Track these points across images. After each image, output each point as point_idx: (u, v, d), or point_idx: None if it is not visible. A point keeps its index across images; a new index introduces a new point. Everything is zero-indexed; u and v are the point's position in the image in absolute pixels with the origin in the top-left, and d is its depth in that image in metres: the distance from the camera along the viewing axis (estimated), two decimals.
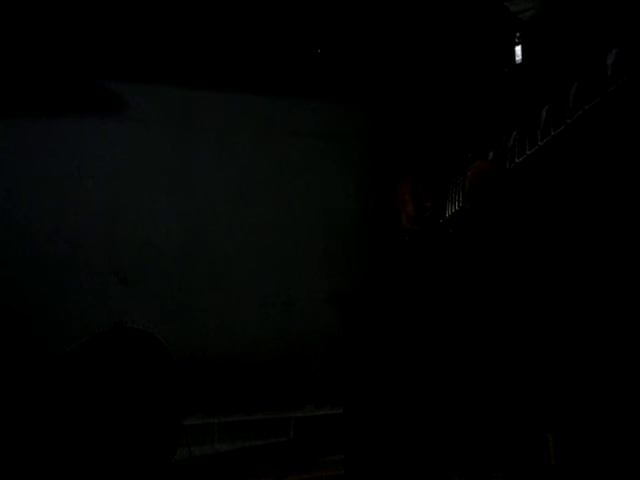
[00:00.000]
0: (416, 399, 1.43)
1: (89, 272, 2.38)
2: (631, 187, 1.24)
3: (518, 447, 1.50)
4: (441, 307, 1.44)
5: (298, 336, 2.63)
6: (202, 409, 2.50)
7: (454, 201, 1.40)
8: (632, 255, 1.25)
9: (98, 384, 1.80)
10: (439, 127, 1.57)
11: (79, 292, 2.36)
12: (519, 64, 1.35)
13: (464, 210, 1.34)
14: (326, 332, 2.62)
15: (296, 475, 2.29)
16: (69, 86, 2.35)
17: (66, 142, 2.37)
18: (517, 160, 1.20)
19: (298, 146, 2.65)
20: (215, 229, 2.56)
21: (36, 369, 1.79)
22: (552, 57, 1.29)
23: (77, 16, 2.31)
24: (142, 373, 1.86)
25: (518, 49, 1.35)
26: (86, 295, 2.37)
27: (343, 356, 1.62)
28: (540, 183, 1.26)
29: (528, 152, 1.17)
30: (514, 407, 1.41)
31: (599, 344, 1.26)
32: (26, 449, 1.69)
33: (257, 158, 2.61)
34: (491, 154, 1.28)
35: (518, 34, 1.35)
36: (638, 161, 1.22)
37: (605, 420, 1.26)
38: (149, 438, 1.84)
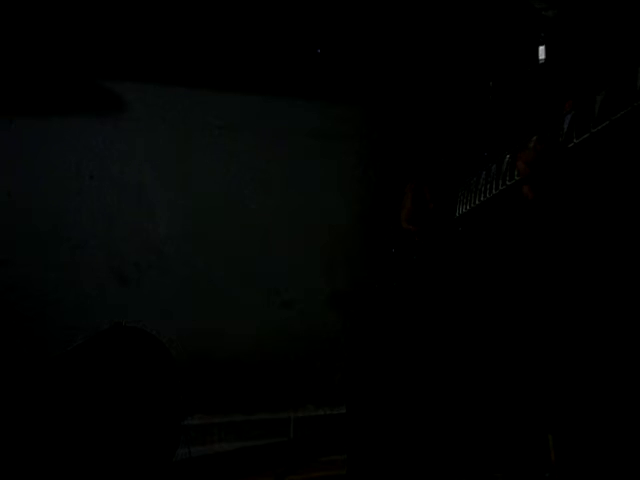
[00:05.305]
0: (418, 399, 1.43)
1: (89, 272, 2.38)
2: None
3: (518, 447, 1.50)
4: (444, 306, 1.43)
5: (298, 336, 2.63)
6: (202, 409, 2.50)
7: (466, 201, 1.40)
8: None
9: (98, 384, 1.80)
10: (451, 126, 1.56)
11: (79, 292, 2.36)
12: (542, 64, 1.33)
13: (479, 209, 1.33)
14: (326, 332, 2.61)
15: (296, 475, 2.29)
16: (69, 86, 2.35)
17: (66, 142, 2.37)
18: None
19: (298, 146, 2.65)
20: (215, 229, 2.56)
21: (36, 369, 1.79)
22: (576, 59, 1.28)
23: (77, 16, 2.31)
24: (142, 373, 1.86)
25: (542, 48, 1.34)
26: (86, 295, 2.37)
27: (345, 356, 1.62)
28: (558, 188, 1.24)
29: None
30: (514, 407, 1.41)
31: (599, 344, 1.26)
32: (26, 449, 1.69)
33: (257, 158, 2.61)
34: (508, 156, 1.27)
35: (542, 33, 1.33)
36: None
37: (605, 420, 1.26)
38: (149, 438, 1.84)
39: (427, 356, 1.43)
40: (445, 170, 1.53)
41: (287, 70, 2.59)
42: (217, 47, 2.50)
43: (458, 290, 1.43)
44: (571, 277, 1.30)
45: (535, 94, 1.34)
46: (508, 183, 1.26)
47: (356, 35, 2.60)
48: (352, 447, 1.52)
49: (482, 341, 1.40)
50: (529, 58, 1.35)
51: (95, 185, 2.41)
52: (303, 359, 2.64)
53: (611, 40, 1.22)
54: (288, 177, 2.65)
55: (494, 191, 1.30)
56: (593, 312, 1.27)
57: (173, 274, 2.49)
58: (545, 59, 1.33)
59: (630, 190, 1.21)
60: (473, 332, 1.40)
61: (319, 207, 2.68)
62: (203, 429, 2.48)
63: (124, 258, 2.44)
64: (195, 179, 2.54)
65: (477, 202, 1.36)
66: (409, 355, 1.44)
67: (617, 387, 1.25)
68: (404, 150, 1.70)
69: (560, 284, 1.31)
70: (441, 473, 1.43)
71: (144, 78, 2.42)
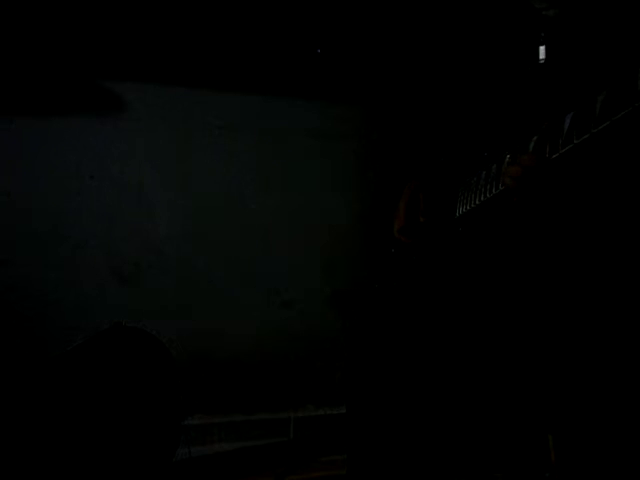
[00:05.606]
0: (418, 399, 1.43)
1: (89, 272, 2.38)
2: None
3: (518, 447, 1.50)
4: (444, 306, 1.44)
5: (298, 336, 2.63)
6: (202, 409, 2.50)
7: (466, 201, 1.40)
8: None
9: (98, 384, 1.80)
10: (451, 125, 1.56)
11: (79, 292, 2.36)
12: (542, 64, 1.34)
13: (479, 209, 1.34)
14: (326, 332, 2.61)
15: (296, 475, 2.29)
16: (69, 86, 2.35)
17: (66, 142, 2.37)
18: None
19: (298, 146, 2.65)
20: (215, 229, 2.56)
21: (36, 369, 1.79)
22: (577, 59, 1.28)
23: (77, 16, 2.31)
24: (141, 373, 1.86)
25: (542, 48, 1.34)
26: (86, 295, 2.37)
27: (345, 356, 1.62)
28: (558, 189, 1.24)
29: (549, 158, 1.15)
30: (514, 408, 1.41)
31: (599, 344, 1.26)
32: (26, 449, 1.69)
33: (257, 158, 2.61)
34: (508, 156, 1.27)
35: (542, 33, 1.33)
36: None
37: (605, 420, 1.26)
38: (149, 438, 1.84)
39: (427, 356, 1.43)
40: (445, 170, 1.53)
41: (287, 70, 2.58)
42: (217, 47, 2.49)
43: (458, 290, 1.43)
44: (571, 278, 1.30)
45: (535, 94, 1.34)
46: (501, 188, 1.26)
47: (356, 35, 2.60)
48: (352, 447, 1.52)
49: (482, 341, 1.40)
50: (529, 58, 1.35)
51: (95, 185, 2.41)
52: (303, 359, 2.64)
53: (612, 40, 1.22)
54: (288, 177, 2.65)
55: (494, 191, 1.30)
56: (593, 313, 1.27)
57: (173, 274, 2.49)
58: (545, 59, 1.33)
59: (630, 190, 1.21)
60: (473, 332, 1.41)
61: (319, 207, 2.68)
62: (203, 429, 2.48)
63: (124, 258, 2.44)
64: (195, 179, 2.54)
65: (477, 202, 1.37)
66: (409, 355, 1.44)
67: (617, 387, 1.25)
68: (404, 150, 1.70)
69: (560, 285, 1.31)
70: (441, 473, 1.43)
71: (144, 78, 2.42)
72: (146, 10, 2.38)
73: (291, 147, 2.64)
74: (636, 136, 1.02)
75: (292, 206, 2.65)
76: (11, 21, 2.25)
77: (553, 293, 1.32)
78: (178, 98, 2.49)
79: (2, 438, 1.68)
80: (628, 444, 1.24)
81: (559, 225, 1.29)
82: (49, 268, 2.33)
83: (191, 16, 2.45)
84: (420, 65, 1.67)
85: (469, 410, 1.43)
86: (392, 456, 1.42)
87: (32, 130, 2.31)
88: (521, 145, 1.23)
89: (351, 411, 1.54)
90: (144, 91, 2.44)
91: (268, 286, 2.62)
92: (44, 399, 1.75)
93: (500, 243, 1.38)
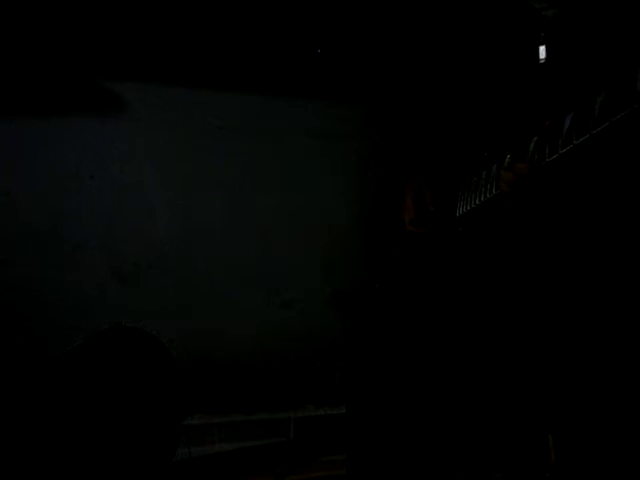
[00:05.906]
0: (418, 399, 1.43)
1: (89, 272, 2.38)
2: None
3: (518, 447, 1.50)
4: (444, 305, 1.44)
5: (298, 336, 2.63)
6: (202, 409, 2.50)
7: (466, 201, 1.40)
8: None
9: (97, 384, 1.80)
10: (452, 125, 1.57)
11: (79, 292, 2.36)
12: (542, 64, 1.34)
13: (479, 210, 1.34)
14: (326, 332, 2.61)
15: (296, 475, 2.29)
16: (69, 86, 2.35)
17: (66, 142, 2.37)
18: None
19: (298, 146, 2.65)
20: (215, 229, 2.56)
21: (36, 369, 1.79)
22: (576, 59, 1.28)
23: (77, 16, 2.31)
24: (141, 373, 1.86)
25: (542, 48, 1.34)
26: (86, 295, 2.37)
27: (345, 356, 1.62)
28: (556, 189, 1.25)
29: (548, 159, 1.15)
30: (514, 407, 1.41)
31: (599, 344, 1.26)
32: (26, 449, 1.69)
33: (257, 158, 2.61)
34: (508, 157, 1.28)
35: (542, 33, 1.34)
36: None
37: (605, 420, 1.26)
38: (149, 438, 1.84)
39: (427, 356, 1.43)
40: (445, 170, 1.53)
41: (287, 70, 2.58)
42: (217, 47, 2.50)
43: (458, 290, 1.43)
44: (572, 278, 1.30)
45: (535, 94, 1.34)
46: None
47: (356, 35, 2.60)
48: (352, 447, 1.52)
49: (482, 341, 1.40)
50: (529, 58, 1.35)
51: (95, 185, 2.41)
52: (303, 359, 2.64)
53: (611, 40, 1.22)
54: (288, 177, 2.65)
55: (494, 191, 1.30)
56: (593, 313, 1.27)
57: (173, 274, 2.49)
58: (545, 59, 1.34)
59: (629, 190, 1.21)
60: (473, 332, 1.41)
61: (319, 207, 2.68)
62: (203, 429, 2.48)
63: (124, 258, 2.44)
64: (195, 179, 2.54)
65: (477, 202, 1.37)
66: (409, 355, 1.44)
67: (617, 387, 1.25)
68: (404, 150, 1.70)
69: (560, 285, 1.31)
70: (441, 473, 1.43)
71: (144, 78, 2.42)
72: (146, 10, 2.38)
73: (291, 147, 2.64)
74: (635, 137, 1.02)
75: (292, 206, 2.65)
76: (11, 21, 2.25)
77: (553, 294, 1.32)
78: (178, 98, 2.49)
79: (2, 438, 1.68)
80: (628, 444, 1.24)
81: (554, 228, 1.29)
82: (49, 268, 2.33)
83: (191, 16, 2.45)
84: (420, 65, 1.67)
85: (469, 410, 1.43)
86: (392, 456, 1.42)
87: (32, 130, 2.31)
88: (521, 145, 1.23)
89: (351, 411, 1.54)
90: (144, 91, 2.44)
91: (268, 286, 2.62)
92: (44, 399, 1.74)
93: (499, 244, 1.38)
